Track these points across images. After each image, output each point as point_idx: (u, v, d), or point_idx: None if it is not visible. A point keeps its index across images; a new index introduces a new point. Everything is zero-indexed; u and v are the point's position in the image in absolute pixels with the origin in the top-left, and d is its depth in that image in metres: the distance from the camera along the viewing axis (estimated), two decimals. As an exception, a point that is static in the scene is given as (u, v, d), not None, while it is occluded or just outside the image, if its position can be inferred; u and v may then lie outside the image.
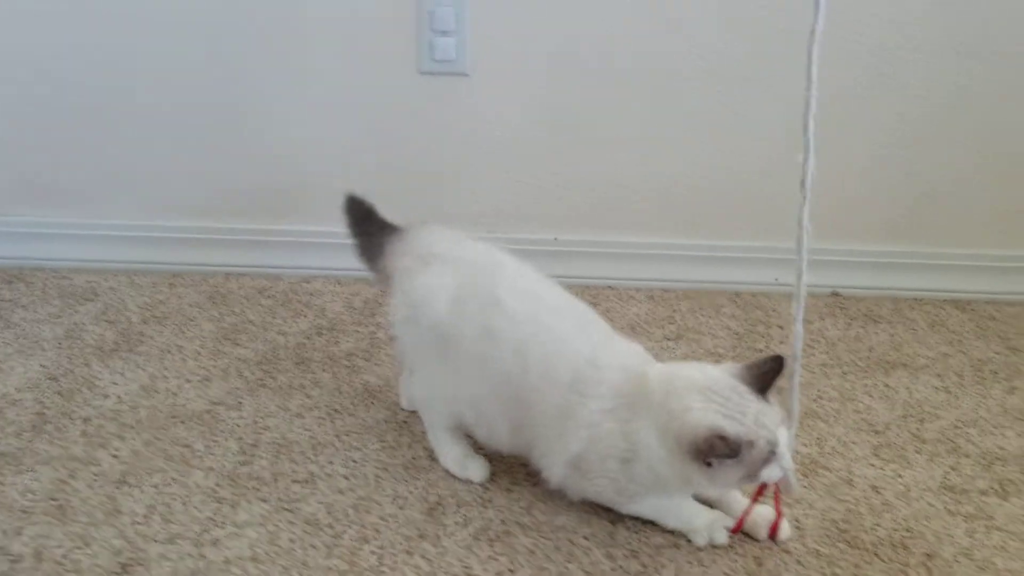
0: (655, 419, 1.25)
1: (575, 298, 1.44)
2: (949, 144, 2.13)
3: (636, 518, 1.37)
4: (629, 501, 1.34)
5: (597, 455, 1.30)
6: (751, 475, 1.22)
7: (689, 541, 1.33)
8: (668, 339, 1.96)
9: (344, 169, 2.14)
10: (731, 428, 1.19)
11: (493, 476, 1.46)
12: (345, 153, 2.12)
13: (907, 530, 1.37)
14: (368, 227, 1.63)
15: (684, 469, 1.23)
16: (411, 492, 1.42)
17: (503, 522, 1.36)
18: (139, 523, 1.33)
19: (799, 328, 1.33)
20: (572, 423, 1.30)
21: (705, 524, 1.34)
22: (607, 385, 1.30)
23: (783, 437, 1.23)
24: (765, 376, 1.25)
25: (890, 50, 2.04)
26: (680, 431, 1.21)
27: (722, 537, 1.32)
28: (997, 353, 1.95)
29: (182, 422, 1.58)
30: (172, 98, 2.08)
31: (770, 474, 1.23)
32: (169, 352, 1.81)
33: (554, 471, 1.35)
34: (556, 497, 1.41)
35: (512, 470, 1.48)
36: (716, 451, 1.18)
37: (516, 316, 1.36)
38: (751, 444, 1.19)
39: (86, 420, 1.58)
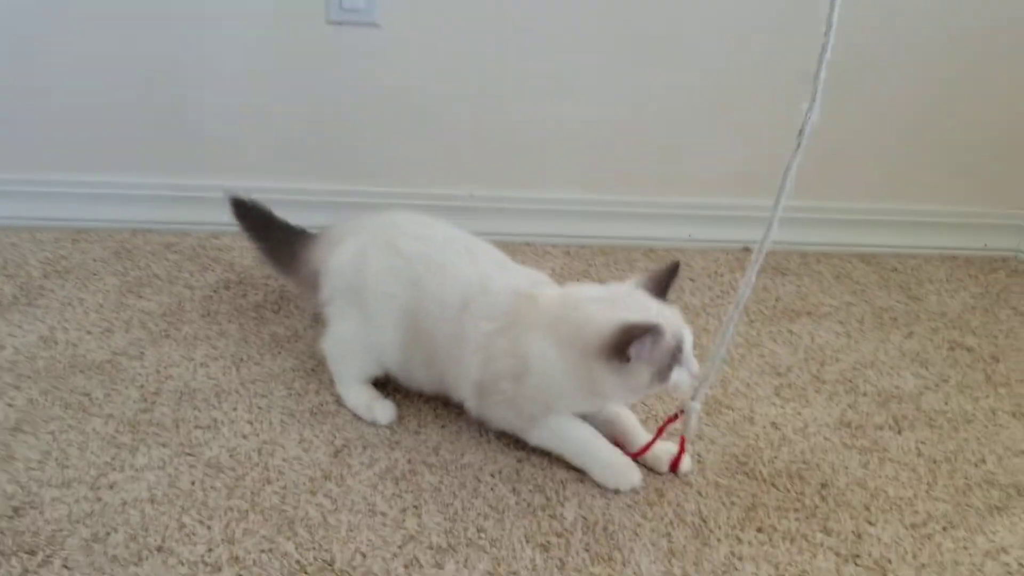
0: (551, 333, 1.29)
1: (473, 237, 1.50)
2: (855, 103, 2.17)
3: (544, 455, 1.38)
4: (531, 425, 1.36)
5: (492, 376, 1.34)
6: (661, 374, 1.26)
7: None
8: (581, 292, 1.97)
9: (251, 124, 2.11)
10: (637, 317, 1.23)
11: (401, 419, 1.46)
12: (252, 107, 2.09)
13: (804, 462, 1.41)
14: (271, 233, 1.70)
15: (594, 376, 1.26)
16: (317, 436, 1.41)
17: (409, 462, 1.36)
18: (33, 468, 1.30)
19: (752, 277, 1.36)
20: (468, 347, 1.35)
21: (615, 464, 1.35)
22: (497, 307, 1.35)
23: (688, 336, 1.29)
24: (662, 280, 1.33)
25: (796, 10, 2.07)
26: (589, 337, 1.25)
27: (636, 478, 1.34)
28: (898, 302, 2.01)
29: (81, 372, 1.54)
30: (76, 48, 2.02)
31: (679, 378, 1.28)
32: (70, 305, 1.77)
33: (468, 401, 1.41)
34: (464, 437, 1.42)
35: (420, 413, 1.49)
36: (632, 335, 1.21)
37: (410, 256, 1.43)
38: (659, 330, 1.23)
39: (-20, 371, 1.54)
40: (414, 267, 1.42)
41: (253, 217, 1.72)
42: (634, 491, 1.32)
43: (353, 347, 1.50)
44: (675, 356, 1.27)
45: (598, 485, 1.33)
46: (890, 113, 2.20)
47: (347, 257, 1.49)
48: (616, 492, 1.31)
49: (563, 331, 1.29)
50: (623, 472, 1.34)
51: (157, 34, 2.02)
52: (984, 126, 2.22)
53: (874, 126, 2.21)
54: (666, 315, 1.29)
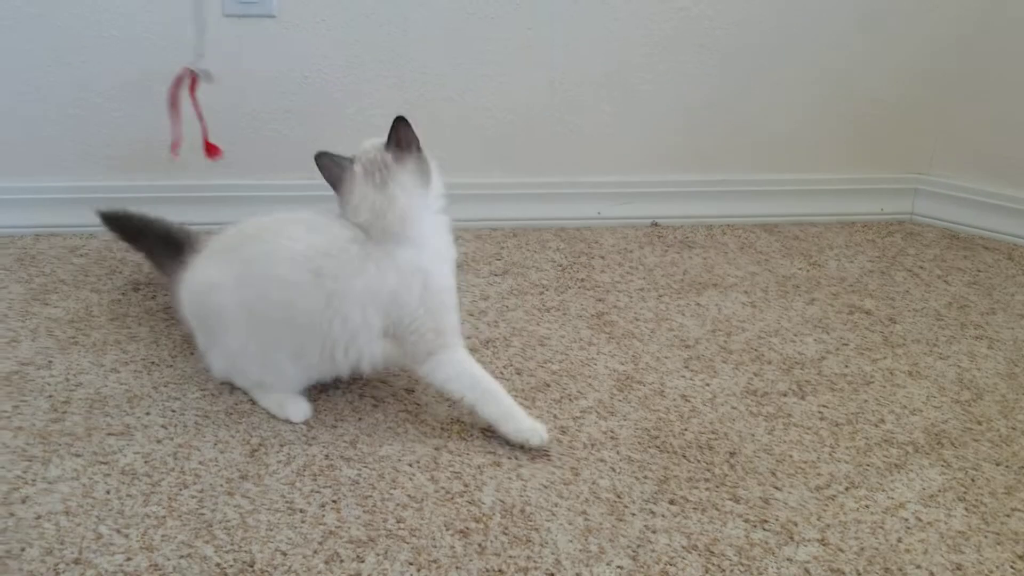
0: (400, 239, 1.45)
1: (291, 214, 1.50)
2: (753, 77, 2.23)
3: (463, 440, 1.40)
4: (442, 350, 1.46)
5: (401, 311, 1.44)
6: None
7: (510, 458, 1.37)
8: (495, 275, 2.00)
9: (148, 120, 2.06)
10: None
11: (317, 414, 1.47)
12: (147, 103, 2.04)
13: (712, 432, 1.45)
14: (152, 240, 1.73)
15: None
16: (232, 436, 1.41)
17: (327, 456, 1.37)
18: (-58, 487, 1.28)
19: None
20: (349, 305, 1.41)
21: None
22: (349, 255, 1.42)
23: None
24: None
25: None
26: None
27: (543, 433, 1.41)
28: (800, 269, 2.07)
29: (-12, 385, 1.52)
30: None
31: None
32: (-27, 316, 1.73)
33: (371, 362, 1.46)
34: (381, 429, 1.44)
35: (336, 407, 1.49)
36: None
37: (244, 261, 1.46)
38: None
39: None
40: (249, 271, 1.44)
41: (129, 227, 1.74)
42: (540, 462, 1.36)
43: (235, 365, 1.50)
44: None
45: (514, 465, 1.36)
46: (786, 85, 2.26)
47: (191, 284, 1.51)
48: (530, 464, 1.34)
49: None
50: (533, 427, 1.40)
51: (47, 30, 1.97)
52: (875, 93, 2.30)
53: (771, 98, 2.27)
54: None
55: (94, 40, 2.00)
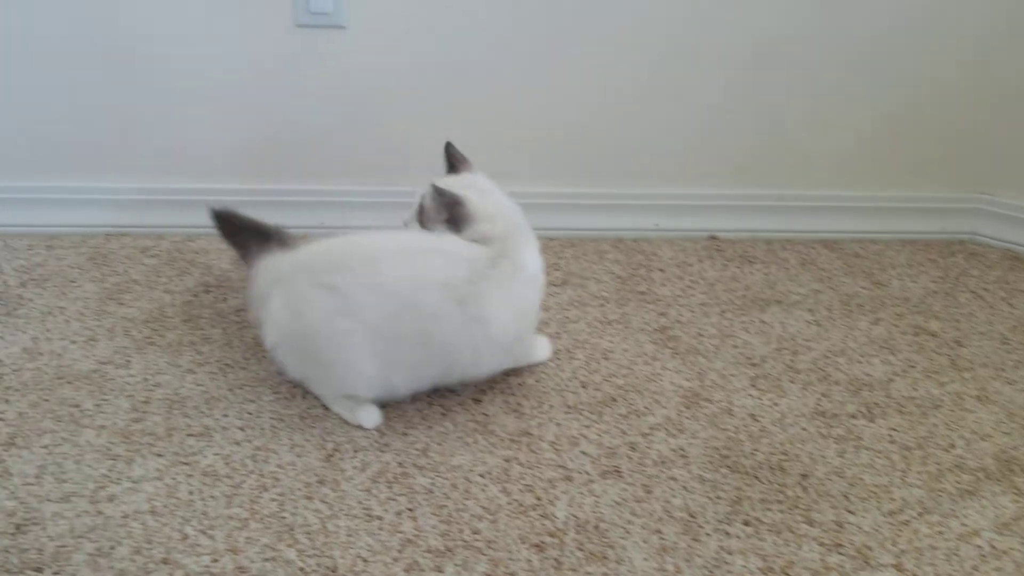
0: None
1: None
2: (816, 92, 2.22)
3: (531, 453, 1.42)
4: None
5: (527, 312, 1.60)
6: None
7: (581, 473, 1.38)
8: (554, 285, 2.01)
9: (222, 126, 2.11)
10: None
11: (387, 422, 1.49)
12: (222, 109, 2.09)
13: (783, 454, 1.46)
14: (241, 239, 1.71)
15: None
16: (308, 440, 1.44)
17: (400, 464, 1.39)
18: (31, 483, 1.31)
19: None
20: (489, 312, 1.47)
21: None
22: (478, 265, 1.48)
23: None
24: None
25: (753, 7, 2.12)
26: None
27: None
28: (863, 288, 2.07)
29: (69, 382, 1.55)
30: (38, 52, 2.01)
31: None
32: (51, 314, 1.77)
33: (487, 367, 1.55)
34: (451, 438, 1.45)
35: (406, 415, 1.51)
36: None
37: (345, 288, 1.44)
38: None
39: (-34, 385, 1.54)
40: (354, 296, 1.42)
41: (228, 227, 1.72)
42: (612, 477, 1.37)
43: (322, 381, 1.52)
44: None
45: (585, 480, 1.37)
46: (847, 100, 2.25)
47: (280, 314, 1.48)
48: (601, 481, 1.36)
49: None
50: None
51: (126, 38, 2.01)
52: (938, 110, 2.29)
53: (832, 113, 2.26)
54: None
55: (179, 49, 2.03)
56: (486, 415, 1.53)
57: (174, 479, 1.33)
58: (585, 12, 2.10)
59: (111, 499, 1.28)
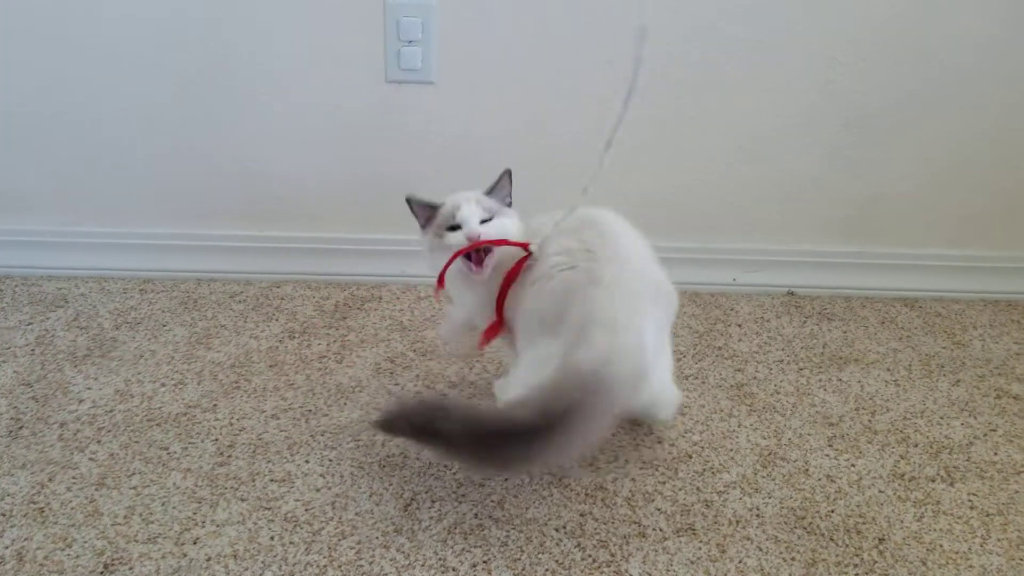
0: None
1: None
2: (895, 148, 2.21)
3: (606, 508, 1.43)
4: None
5: None
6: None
7: (655, 530, 1.39)
8: (630, 338, 2.02)
9: (314, 176, 2.18)
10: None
11: (466, 473, 1.51)
12: (314, 160, 2.16)
13: (860, 516, 1.44)
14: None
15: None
16: (386, 489, 1.47)
17: (476, 516, 1.41)
18: (119, 524, 1.36)
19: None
20: None
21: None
22: None
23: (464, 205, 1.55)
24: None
25: (837, 59, 2.12)
26: None
27: None
28: (943, 348, 2.04)
29: (158, 425, 1.61)
30: (141, 104, 2.10)
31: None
32: (142, 357, 1.84)
33: None
34: (527, 491, 1.47)
35: (483, 466, 1.53)
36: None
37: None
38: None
39: (62, 424, 1.61)
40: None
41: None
42: (686, 538, 1.36)
43: None
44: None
45: (660, 538, 1.37)
46: (929, 156, 2.23)
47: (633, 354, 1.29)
48: (675, 538, 1.36)
49: None
50: None
51: (224, 90, 2.09)
52: (1021, 168, 2.26)
53: (912, 168, 2.24)
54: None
55: (276, 104, 2.11)
56: (562, 468, 1.54)
57: (256, 524, 1.37)
58: (668, 69, 2.12)
59: (195, 542, 1.33)
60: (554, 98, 2.14)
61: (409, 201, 1.61)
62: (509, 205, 1.64)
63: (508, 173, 1.64)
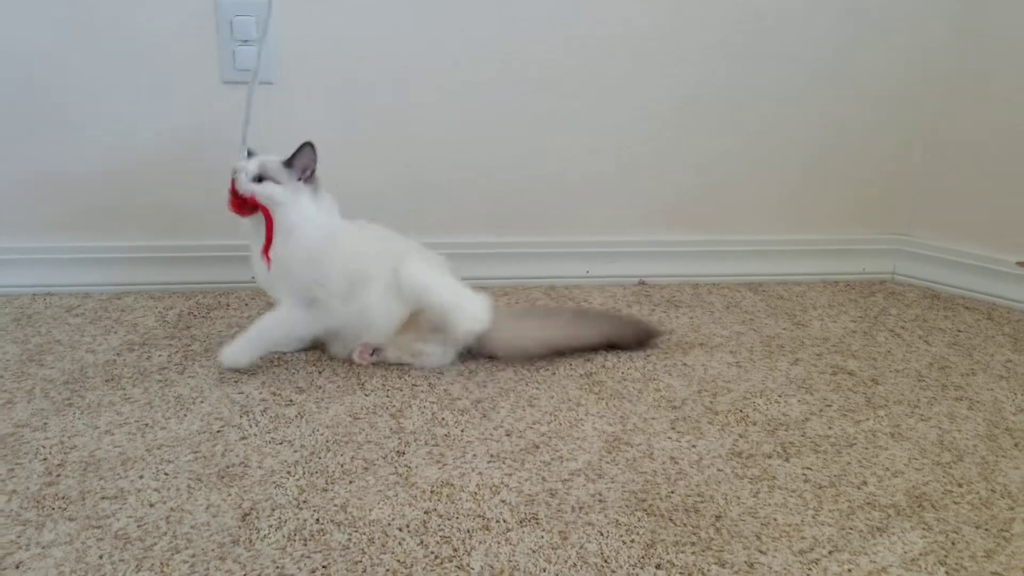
0: None
1: None
2: (730, 136, 2.28)
3: (450, 504, 1.42)
4: None
5: None
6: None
7: (499, 522, 1.39)
8: (483, 334, 2.02)
9: (151, 180, 2.11)
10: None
11: (310, 477, 1.49)
12: (151, 164, 2.10)
13: (699, 495, 1.47)
14: None
15: None
16: (224, 500, 1.43)
17: (318, 521, 1.39)
18: (-63, 553, 1.29)
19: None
20: None
21: None
22: None
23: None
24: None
25: (670, 49, 2.17)
26: None
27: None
28: (784, 329, 2.11)
29: (-17, 447, 1.54)
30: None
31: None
32: (-32, 377, 1.75)
33: None
34: (372, 492, 1.45)
35: (328, 470, 1.51)
36: None
37: None
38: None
39: None
40: None
41: None
42: (528, 524, 1.37)
43: None
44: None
45: (503, 530, 1.37)
46: (770, 146, 2.31)
47: None
48: (519, 528, 1.36)
49: None
50: None
51: (52, 95, 2.01)
52: (857, 155, 2.35)
53: (756, 159, 2.32)
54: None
55: (106, 106, 2.04)
56: (408, 467, 1.53)
57: (84, 543, 1.31)
58: (513, 60, 2.14)
59: (18, 566, 1.26)
60: (394, 97, 2.13)
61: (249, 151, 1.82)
62: (307, 180, 1.78)
63: (308, 146, 1.75)
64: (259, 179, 1.73)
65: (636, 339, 1.93)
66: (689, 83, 2.22)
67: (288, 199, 1.74)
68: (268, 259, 1.75)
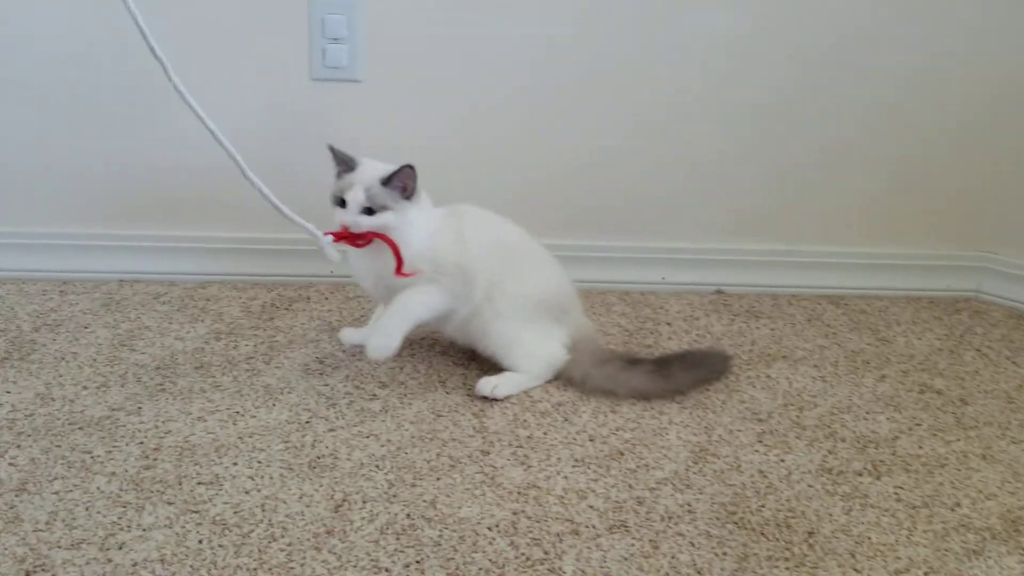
0: None
1: None
2: (820, 147, 2.26)
3: (538, 507, 1.42)
4: None
5: None
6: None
7: (588, 527, 1.39)
8: (562, 337, 2.02)
9: (236, 173, 2.13)
10: None
11: (397, 472, 1.50)
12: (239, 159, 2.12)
13: (790, 510, 1.46)
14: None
15: None
16: (317, 490, 1.44)
17: (408, 516, 1.40)
18: (41, 530, 1.31)
19: None
20: None
21: None
22: None
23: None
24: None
25: (766, 66, 2.15)
26: None
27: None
28: (868, 344, 2.08)
29: (81, 428, 1.56)
30: (60, 101, 2.05)
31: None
32: (63, 359, 1.79)
33: None
34: (459, 490, 1.46)
35: (415, 466, 1.52)
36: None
37: None
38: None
39: (-21, 429, 1.55)
40: None
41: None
42: (619, 531, 1.37)
43: None
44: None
45: (593, 534, 1.37)
46: (858, 158, 2.28)
47: None
48: (608, 535, 1.36)
49: None
50: None
51: (146, 88, 2.05)
52: (944, 171, 2.32)
53: (842, 171, 2.29)
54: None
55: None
56: (494, 467, 1.53)
57: (184, 527, 1.34)
58: (600, 66, 2.14)
59: (121, 547, 1.29)
60: (481, 96, 2.14)
61: (331, 149, 1.75)
62: (408, 198, 1.72)
63: (409, 168, 1.69)
64: (368, 211, 1.68)
65: (718, 376, 1.89)
66: (772, 91, 2.20)
67: (401, 221, 1.70)
68: (406, 275, 1.70)
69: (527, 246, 1.88)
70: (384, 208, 1.67)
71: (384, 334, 1.69)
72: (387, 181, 1.68)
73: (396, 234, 1.69)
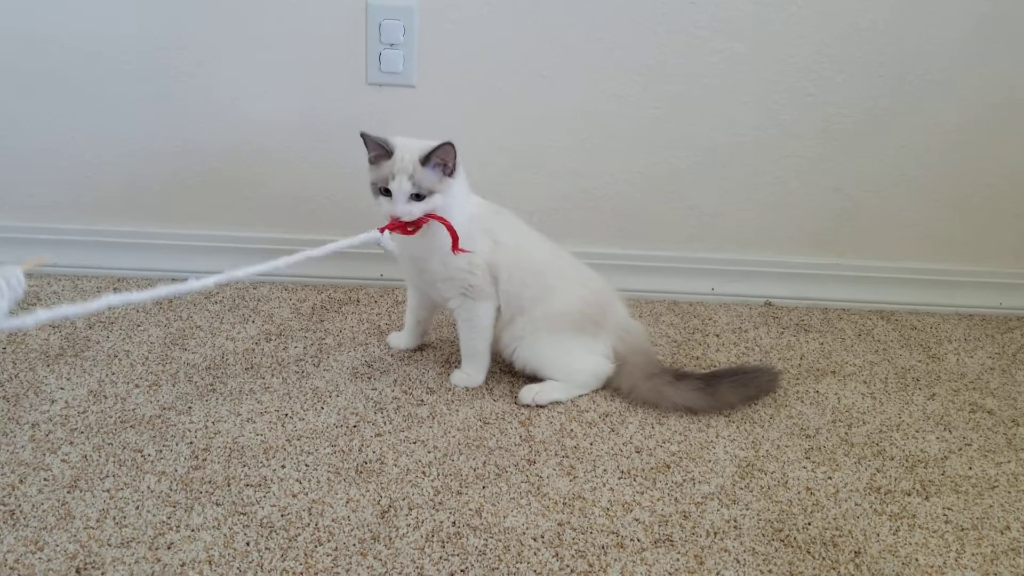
0: None
1: None
2: (873, 161, 2.23)
3: (584, 518, 1.42)
4: None
5: None
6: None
7: (633, 540, 1.38)
8: (609, 346, 2.02)
9: (292, 176, 2.16)
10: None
11: (443, 479, 1.50)
12: (294, 161, 2.15)
13: (836, 529, 1.45)
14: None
15: None
16: (363, 496, 1.45)
17: (454, 524, 1.40)
18: (92, 527, 1.34)
19: None
20: None
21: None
22: None
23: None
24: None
25: (815, 70, 2.13)
26: None
27: None
28: (919, 361, 2.05)
29: (132, 427, 1.59)
30: (123, 99, 2.08)
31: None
32: (116, 357, 1.81)
33: None
34: (504, 499, 1.46)
35: (461, 473, 1.52)
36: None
37: None
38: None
39: (34, 425, 1.58)
40: None
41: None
42: (663, 545, 1.36)
43: None
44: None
45: (638, 548, 1.37)
46: (907, 172, 2.25)
47: None
48: (652, 547, 1.35)
49: None
50: None
51: (205, 89, 2.08)
52: (999, 187, 2.28)
53: (892, 184, 2.26)
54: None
55: (253, 107, 2.10)
56: (540, 477, 1.54)
57: (231, 529, 1.35)
58: (653, 76, 2.13)
59: (169, 546, 1.31)
60: (535, 102, 2.14)
61: (363, 136, 1.70)
62: (451, 175, 1.69)
63: (449, 145, 1.65)
64: (416, 196, 1.65)
65: (766, 393, 1.86)
66: (830, 104, 2.17)
67: (448, 202, 1.69)
68: (463, 251, 1.70)
69: (552, 267, 1.86)
70: (431, 192, 1.65)
71: (464, 375, 1.84)
72: (426, 160, 1.65)
73: (445, 213, 1.68)
